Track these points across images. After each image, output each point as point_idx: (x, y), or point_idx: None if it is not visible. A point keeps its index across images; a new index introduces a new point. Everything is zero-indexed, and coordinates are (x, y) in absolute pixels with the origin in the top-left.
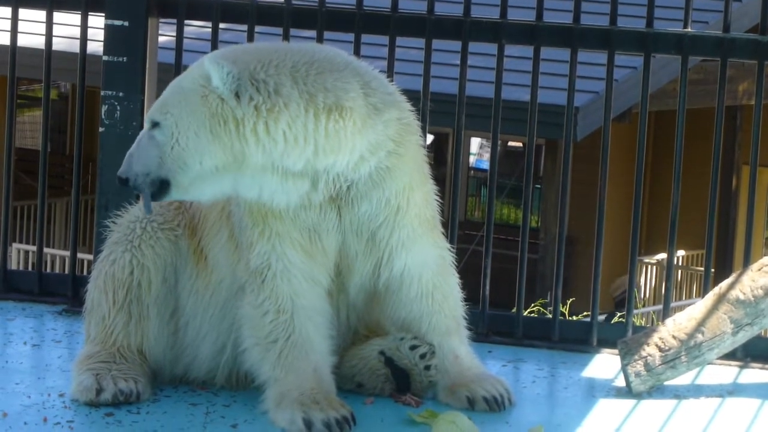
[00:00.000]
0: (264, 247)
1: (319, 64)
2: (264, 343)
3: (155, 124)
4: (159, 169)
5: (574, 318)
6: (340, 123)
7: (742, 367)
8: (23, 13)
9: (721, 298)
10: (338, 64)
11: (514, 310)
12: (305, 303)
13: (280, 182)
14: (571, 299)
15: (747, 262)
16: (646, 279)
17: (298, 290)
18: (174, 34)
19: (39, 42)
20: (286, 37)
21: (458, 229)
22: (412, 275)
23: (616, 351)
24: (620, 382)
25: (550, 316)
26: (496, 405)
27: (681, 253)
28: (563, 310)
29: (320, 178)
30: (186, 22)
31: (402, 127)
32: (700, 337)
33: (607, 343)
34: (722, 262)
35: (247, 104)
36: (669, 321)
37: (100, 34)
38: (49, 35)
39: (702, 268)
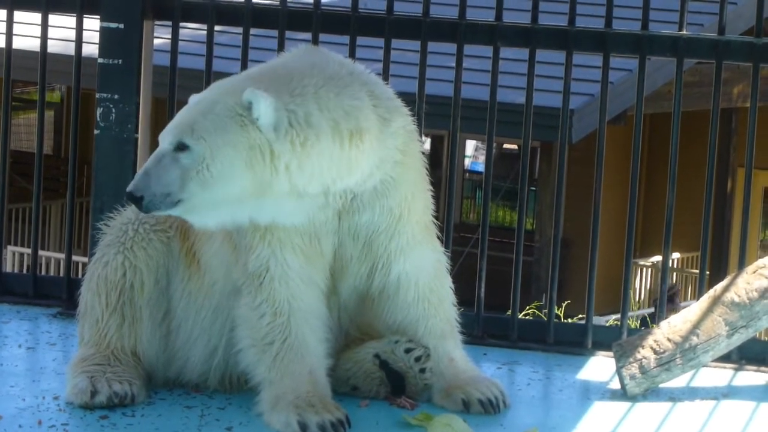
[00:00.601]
0: (264, 252)
1: (333, 83)
2: (260, 345)
3: (183, 147)
4: (179, 192)
5: (569, 320)
6: (360, 147)
7: (736, 370)
8: (18, 15)
9: (716, 301)
10: (345, 78)
11: (509, 312)
12: (302, 306)
13: (296, 205)
14: (566, 302)
15: (742, 265)
16: (641, 281)
17: (296, 293)
18: (169, 36)
19: (34, 44)
20: (281, 39)
21: (453, 231)
22: (409, 279)
23: (611, 353)
24: (615, 384)
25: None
26: (491, 407)
27: (676, 255)
28: (558, 312)
29: (330, 195)
30: (181, 24)
31: (406, 135)
32: (695, 339)
33: (602, 345)
34: (717, 265)
35: (284, 137)
36: (664, 323)
37: (96, 37)
38: (44, 38)
39: (697, 271)
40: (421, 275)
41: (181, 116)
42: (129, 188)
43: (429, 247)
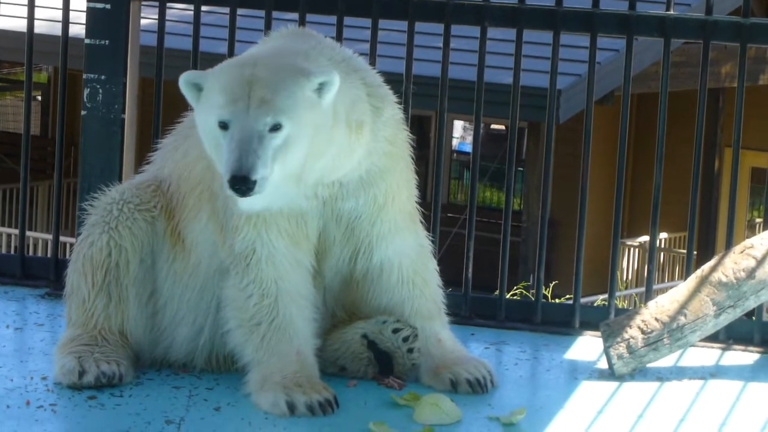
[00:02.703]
0: (250, 233)
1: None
2: (247, 326)
3: (277, 127)
4: (270, 173)
5: (557, 301)
6: (360, 140)
7: (724, 350)
8: None
9: (703, 281)
10: (341, 65)
11: (496, 292)
12: (289, 287)
13: (294, 191)
14: (553, 282)
15: (729, 245)
16: (629, 261)
17: (283, 274)
18: (156, 16)
19: (21, 25)
20: (268, 19)
21: (441, 212)
22: (392, 263)
23: (598, 333)
24: (603, 364)
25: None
26: (479, 387)
27: (663, 235)
28: (546, 292)
29: (321, 186)
30: (168, 4)
31: (395, 125)
32: (682, 319)
33: (589, 325)
34: (705, 245)
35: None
36: (651, 303)
37: (82, 17)
38: (30, 18)
39: (684, 251)
40: (403, 259)
41: (253, 94)
42: (242, 172)
43: (411, 234)
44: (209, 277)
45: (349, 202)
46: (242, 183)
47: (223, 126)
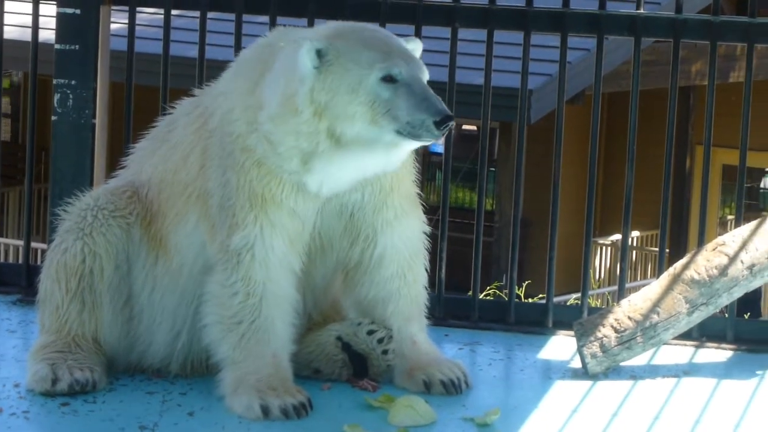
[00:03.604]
0: (252, 232)
1: None
2: (227, 323)
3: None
4: None
5: (530, 300)
6: None
7: (697, 347)
8: None
9: (676, 279)
10: None
11: (470, 293)
12: (276, 289)
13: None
14: (526, 281)
15: (701, 242)
16: (601, 260)
17: (272, 276)
18: (126, 21)
19: None
20: (238, 22)
21: None
22: (394, 251)
23: (572, 332)
24: (576, 363)
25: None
26: (453, 388)
27: (636, 233)
28: (519, 292)
29: None
30: (138, 9)
31: None
32: (655, 317)
33: (562, 324)
34: (677, 243)
35: None
36: (624, 302)
37: (52, 23)
38: (0, 24)
39: (657, 249)
40: (405, 246)
41: (401, 50)
42: (448, 112)
43: (416, 219)
44: (191, 279)
45: (356, 194)
46: (449, 119)
47: (389, 79)
